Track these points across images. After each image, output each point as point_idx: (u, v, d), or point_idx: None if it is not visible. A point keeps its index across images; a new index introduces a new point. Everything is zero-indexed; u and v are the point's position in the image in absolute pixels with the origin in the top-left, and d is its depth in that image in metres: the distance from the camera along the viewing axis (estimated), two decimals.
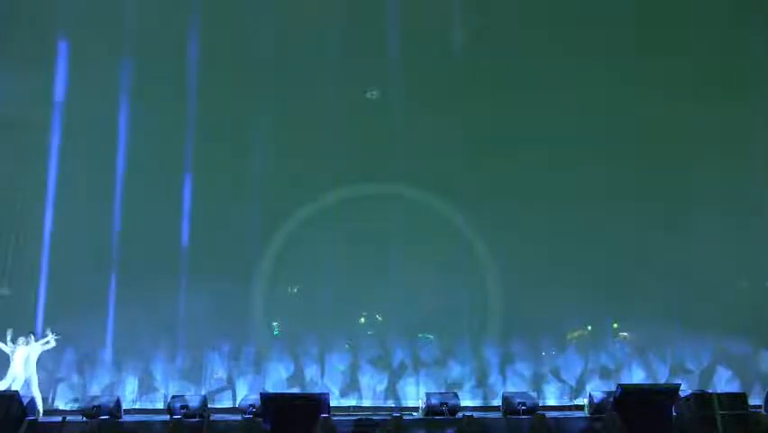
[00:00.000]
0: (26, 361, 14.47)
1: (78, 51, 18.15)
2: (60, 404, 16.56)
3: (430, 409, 14.25)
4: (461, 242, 18.64)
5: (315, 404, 13.47)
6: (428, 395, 14.60)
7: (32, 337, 14.64)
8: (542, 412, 14.32)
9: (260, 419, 13.41)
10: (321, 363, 17.59)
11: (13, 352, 14.47)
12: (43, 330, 15.19)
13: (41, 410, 14.50)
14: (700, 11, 18.65)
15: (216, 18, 18.56)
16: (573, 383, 17.57)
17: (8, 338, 14.51)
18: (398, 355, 17.72)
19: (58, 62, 18.10)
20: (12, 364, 14.42)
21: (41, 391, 14.67)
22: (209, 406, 14.67)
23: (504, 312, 18.16)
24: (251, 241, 18.18)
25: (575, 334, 18.61)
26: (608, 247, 17.97)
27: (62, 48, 18.13)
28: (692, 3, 18.95)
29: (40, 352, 14.64)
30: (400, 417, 13.90)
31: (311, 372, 17.48)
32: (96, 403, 14.12)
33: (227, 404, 16.77)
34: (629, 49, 18.73)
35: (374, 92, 19.52)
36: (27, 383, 14.47)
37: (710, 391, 15.25)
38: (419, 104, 18.65)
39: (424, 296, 17.93)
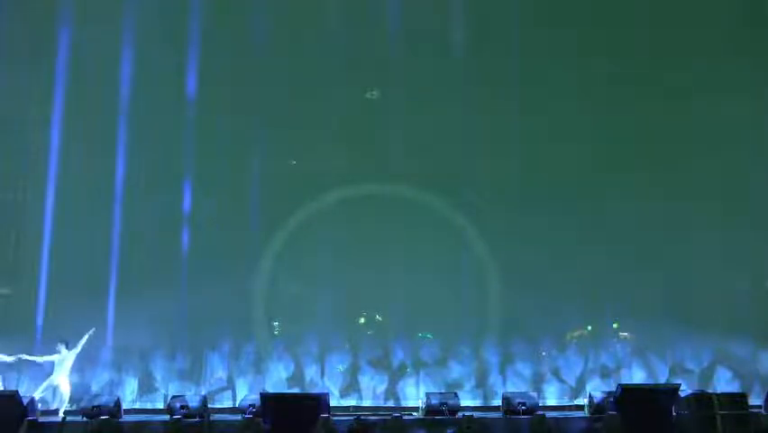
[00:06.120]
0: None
1: (78, 50, 18.12)
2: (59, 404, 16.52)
3: (430, 410, 14.25)
4: (460, 242, 18.63)
5: (315, 404, 13.49)
6: (428, 395, 14.60)
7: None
8: (542, 412, 14.34)
9: (260, 419, 13.42)
10: (321, 363, 17.57)
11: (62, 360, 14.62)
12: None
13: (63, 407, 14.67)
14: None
15: (216, 18, 18.56)
16: (573, 383, 17.56)
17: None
18: (399, 356, 17.70)
19: (58, 60, 18.06)
20: (57, 372, 14.59)
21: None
22: (209, 406, 14.67)
23: (504, 312, 18.15)
24: (251, 241, 18.18)
25: (575, 334, 18.62)
26: (608, 247, 17.98)
27: (62, 46, 18.09)
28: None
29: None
30: (400, 417, 13.90)
31: (311, 372, 17.47)
32: (96, 403, 14.13)
33: (227, 404, 16.75)
34: (629, 49, 18.74)
35: (374, 92, 19.53)
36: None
37: (710, 391, 15.28)
38: (419, 104, 18.66)
39: (424, 296, 17.91)
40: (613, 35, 18.67)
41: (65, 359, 14.65)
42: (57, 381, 14.59)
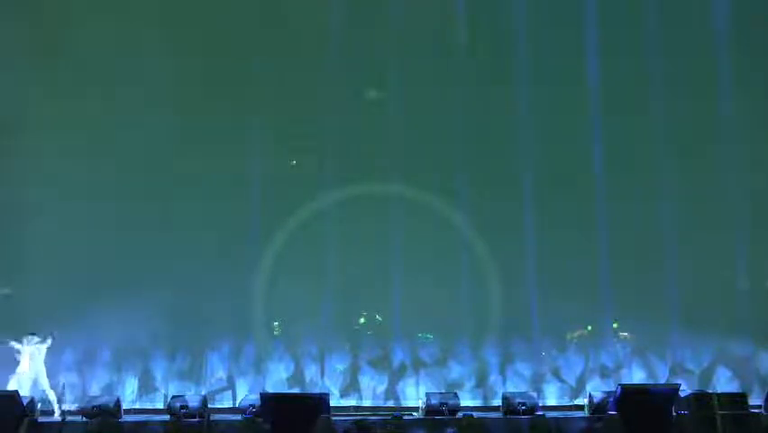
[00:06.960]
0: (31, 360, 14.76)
1: (78, 49, 18.11)
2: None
3: (430, 409, 14.25)
4: (461, 242, 18.62)
5: (314, 404, 13.50)
6: (428, 395, 14.61)
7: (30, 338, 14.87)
8: (542, 412, 14.35)
9: (260, 419, 13.42)
10: (321, 363, 17.58)
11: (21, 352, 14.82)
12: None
13: (56, 409, 14.80)
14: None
15: (215, 16, 18.57)
16: (573, 383, 17.57)
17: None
18: (399, 356, 17.70)
19: (58, 60, 18.04)
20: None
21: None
22: (209, 406, 14.68)
23: (504, 312, 18.14)
24: (251, 241, 18.17)
25: (575, 334, 18.61)
26: (609, 247, 17.97)
27: (63, 45, 18.07)
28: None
29: (35, 352, 14.83)
30: (400, 417, 13.90)
31: (311, 372, 17.48)
32: (95, 403, 14.14)
33: (227, 404, 16.78)
34: (629, 48, 18.75)
35: (374, 92, 19.52)
36: (35, 383, 14.75)
37: (710, 391, 15.30)
38: (419, 104, 18.66)
39: (424, 296, 17.90)
40: (613, 35, 18.69)
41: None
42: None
